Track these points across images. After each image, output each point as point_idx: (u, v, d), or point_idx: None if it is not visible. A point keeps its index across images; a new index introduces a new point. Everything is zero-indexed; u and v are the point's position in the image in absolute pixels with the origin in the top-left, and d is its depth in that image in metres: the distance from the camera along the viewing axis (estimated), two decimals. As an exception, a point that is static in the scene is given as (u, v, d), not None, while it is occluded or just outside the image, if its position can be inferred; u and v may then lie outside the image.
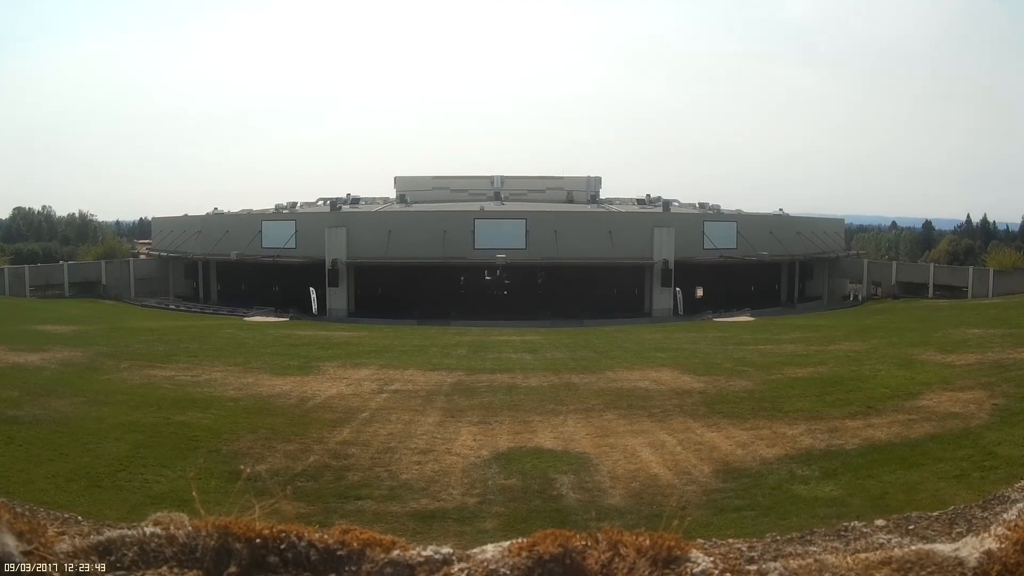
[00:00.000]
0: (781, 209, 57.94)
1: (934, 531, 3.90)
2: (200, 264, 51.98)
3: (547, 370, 19.79)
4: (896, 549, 2.11)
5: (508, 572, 1.96)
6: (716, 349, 24.15)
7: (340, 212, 50.91)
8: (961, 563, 1.99)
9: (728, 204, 61.50)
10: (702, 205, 57.66)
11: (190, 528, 2.04)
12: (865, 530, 3.56)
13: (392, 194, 61.85)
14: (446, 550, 2.07)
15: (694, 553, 2.04)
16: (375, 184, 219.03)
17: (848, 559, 2.05)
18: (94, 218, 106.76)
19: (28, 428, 12.44)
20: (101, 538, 2.02)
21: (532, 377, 18.61)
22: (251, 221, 50.53)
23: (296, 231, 47.97)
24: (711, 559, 2.04)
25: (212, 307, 47.56)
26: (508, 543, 2.07)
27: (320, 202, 57.72)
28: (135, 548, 1.99)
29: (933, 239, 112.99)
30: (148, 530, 2.03)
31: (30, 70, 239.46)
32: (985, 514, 4.19)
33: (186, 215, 57.08)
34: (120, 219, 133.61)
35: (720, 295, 48.79)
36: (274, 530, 2.04)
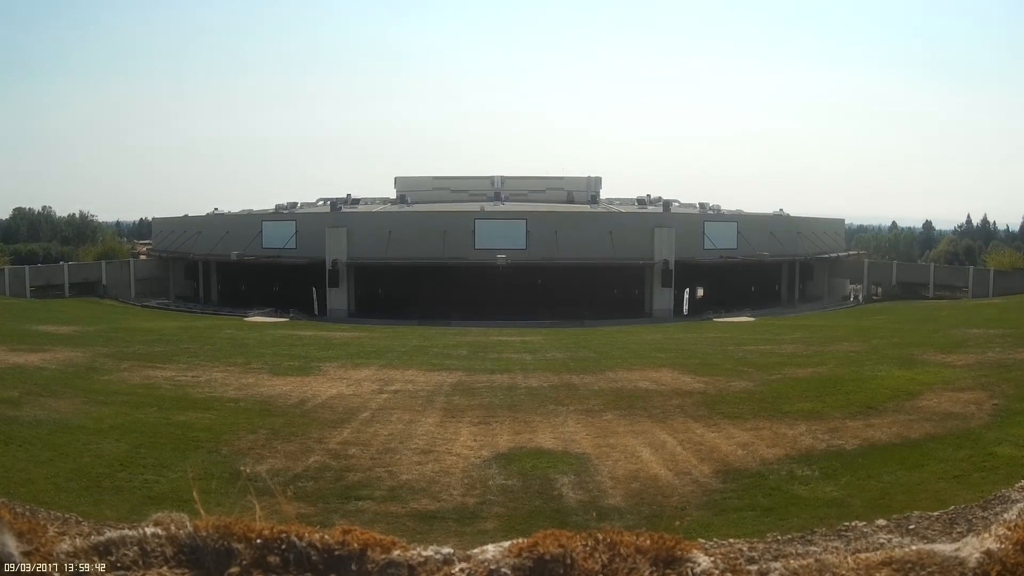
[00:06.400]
0: (781, 209, 58.05)
1: (934, 531, 3.90)
2: (200, 264, 52.01)
3: (547, 370, 19.79)
4: (896, 549, 2.11)
5: (509, 572, 1.97)
6: (716, 349, 24.15)
7: (340, 212, 50.94)
8: (961, 563, 1.99)
9: (728, 204, 61.64)
10: (702, 205, 57.70)
11: (191, 528, 2.04)
12: (866, 530, 3.57)
13: (392, 194, 61.92)
14: (447, 550, 2.07)
15: (695, 553, 2.04)
16: (375, 184, 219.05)
17: (849, 559, 2.05)
18: (94, 218, 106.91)
19: (28, 428, 12.43)
20: (101, 538, 2.02)
21: (532, 377, 18.61)
22: (251, 221, 50.56)
23: (296, 231, 48.00)
24: (712, 559, 2.04)
25: (212, 307, 47.58)
26: (509, 543, 2.07)
27: (320, 202, 57.77)
28: (135, 548, 1.99)
29: (933, 239, 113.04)
30: (149, 530, 2.03)
31: (30, 69, 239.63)
32: (985, 514, 4.20)
33: (186, 215, 57.16)
34: (120, 219, 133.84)
35: (720, 295, 48.82)
36: (275, 530, 2.05)
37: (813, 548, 2.92)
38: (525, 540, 2.05)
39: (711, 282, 50.66)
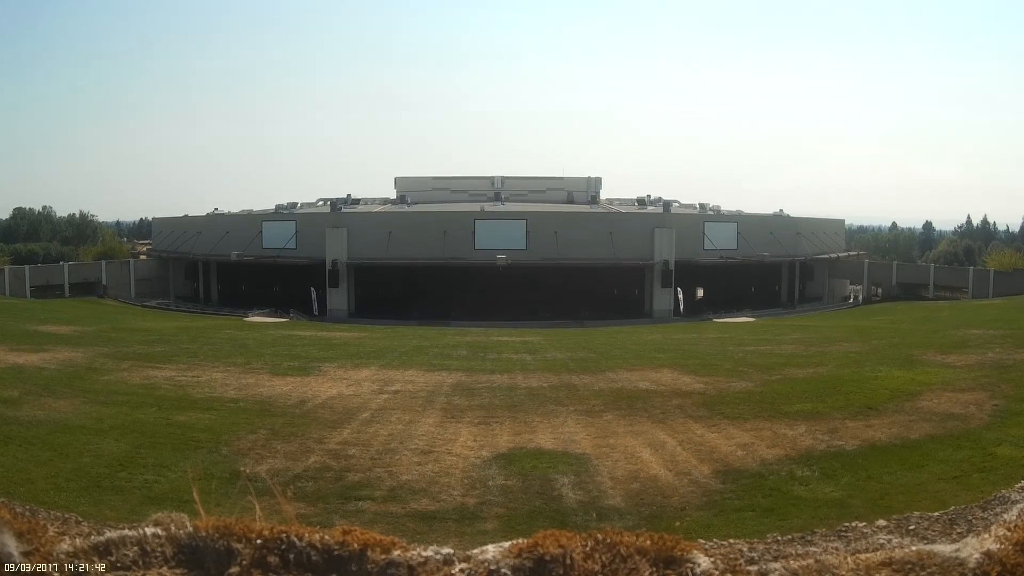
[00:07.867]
0: (781, 209, 58.09)
1: (934, 532, 3.90)
2: (200, 265, 52.04)
3: (547, 371, 19.79)
4: (896, 550, 2.11)
5: (509, 572, 1.97)
6: (716, 350, 24.14)
7: (340, 212, 50.95)
8: (961, 563, 1.99)
9: (728, 204, 61.70)
10: (702, 205, 57.71)
11: (191, 528, 2.04)
12: (866, 531, 3.57)
13: (392, 194, 61.94)
14: (447, 550, 2.07)
15: (695, 554, 2.04)
16: (375, 184, 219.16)
17: (848, 559, 2.05)
18: (94, 218, 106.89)
19: (28, 428, 12.43)
20: (101, 538, 2.02)
21: (532, 378, 18.61)
22: (251, 221, 50.59)
23: (296, 231, 48.02)
24: (712, 560, 2.04)
25: (212, 307, 47.59)
26: (509, 544, 2.07)
27: (320, 202, 57.79)
28: (135, 548, 1.99)
29: (933, 240, 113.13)
30: (149, 530, 2.03)
31: (30, 68, 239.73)
32: (985, 515, 4.20)
33: (186, 215, 57.21)
34: (120, 219, 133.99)
35: (720, 296, 48.84)
36: (274, 531, 2.05)
37: (813, 548, 2.92)
38: (525, 540, 2.05)
39: (711, 282, 50.67)
